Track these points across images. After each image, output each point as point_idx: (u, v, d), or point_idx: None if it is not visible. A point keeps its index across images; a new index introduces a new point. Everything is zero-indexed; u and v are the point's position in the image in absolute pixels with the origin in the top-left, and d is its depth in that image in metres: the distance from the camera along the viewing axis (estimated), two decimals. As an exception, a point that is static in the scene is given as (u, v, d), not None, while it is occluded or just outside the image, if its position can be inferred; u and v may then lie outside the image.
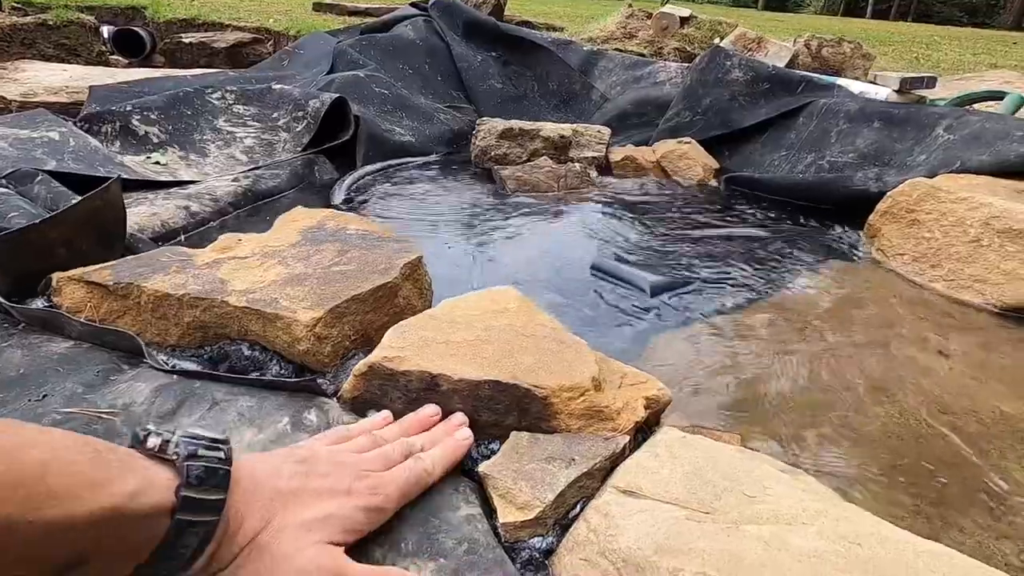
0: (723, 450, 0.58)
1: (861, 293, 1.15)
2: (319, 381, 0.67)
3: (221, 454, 0.37)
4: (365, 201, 1.56)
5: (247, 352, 0.72)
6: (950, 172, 1.31)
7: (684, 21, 2.78)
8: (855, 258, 1.32)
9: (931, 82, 1.71)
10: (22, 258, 0.76)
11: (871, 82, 2.09)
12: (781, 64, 2.22)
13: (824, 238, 1.41)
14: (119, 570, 0.32)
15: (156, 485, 0.33)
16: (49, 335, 0.67)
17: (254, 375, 0.70)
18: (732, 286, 1.16)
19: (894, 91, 1.71)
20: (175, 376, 0.62)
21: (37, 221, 0.77)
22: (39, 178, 1.22)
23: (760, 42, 2.38)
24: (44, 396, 0.59)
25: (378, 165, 1.82)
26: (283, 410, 0.60)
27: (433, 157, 1.95)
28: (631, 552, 0.44)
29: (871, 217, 1.33)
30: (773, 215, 1.55)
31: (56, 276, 0.76)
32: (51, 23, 2.79)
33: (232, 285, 0.73)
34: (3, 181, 1.20)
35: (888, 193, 1.29)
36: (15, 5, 3.27)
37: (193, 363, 0.71)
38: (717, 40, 2.56)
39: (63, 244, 0.80)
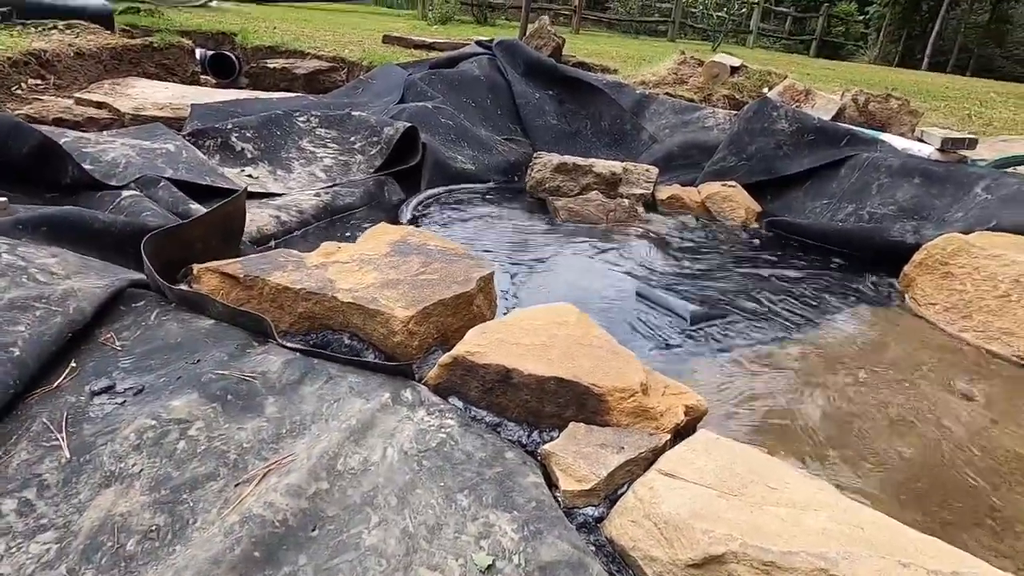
0: (751, 451, 0.68)
1: (892, 337, 1.22)
2: (411, 363, 0.80)
3: None
4: (430, 221, 1.72)
5: (347, 341, 0.86)
6: (985, 230, 1.38)
7: (735, 70, 2.91)
8: (888, 305, 1.39)
9: (972, 143, 1.78)
10: (170, 250, 0.92)
11: (918, 139, 2.16)
12: (827, 117, 2.30)
13: (859, 284, 1.48)
14: None
15: None
16: (194, 314, 0.83)
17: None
18: (768, 321, 1.25)
19: (936, 149, 1.78)
20: (297, 353, 0.76)
21: (186, 221, 0.94)
22: (161, 183, 1.42)
23: (808, 94, 2.48)
24: (198, 360, 0.73)
25: (441, 189, 1.98)
26: (384, 387, 0.73)
27: (491, 184, 2.11)
28: (670, 516, 0.54)
29: (906, 267, 1.40)
30: (812, 259, 1.63)
31: (196, 267, 0.92)
32: (156, 45, 3.12)
33: (338, 284, 0.88)
34: (133, 185, 1.41)
35: (924, 246, 1.36)
36: (123, 28, 3.66)
37: (302, 347, 0.85)
38: (766, 90, 2.67)
39: (200, 241, 0.96)
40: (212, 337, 0.78)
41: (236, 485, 0.59)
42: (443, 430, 0.67)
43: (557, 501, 0.62)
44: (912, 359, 1.13)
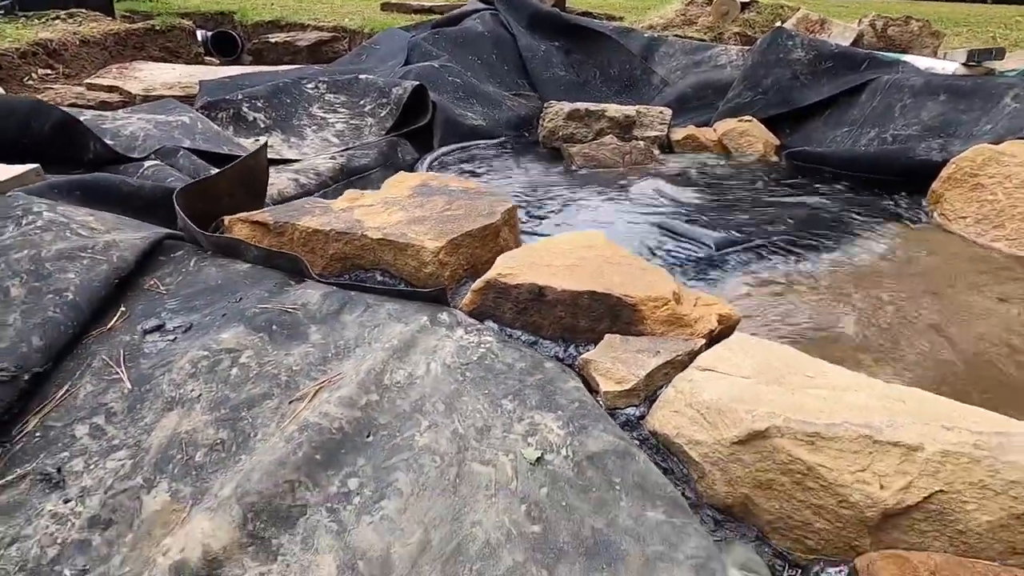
0: (786, 349, 0.68)
1: (923, 252, 1.20)
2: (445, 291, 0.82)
3: None
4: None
5: (379, 278, 0.88)
6: (1016, 138, 1.34)
7: (745, 6, 2.81)
8: (917, 222, 1.36)
9: (999, 53, 1.71)
10: (201, 202, 0.94)
11: (941, 59, 2.08)
12: (845, 44, 2.23)
13: (886, 205, 1.45)
14: None
15: None
16: (231, 259, 0.85)
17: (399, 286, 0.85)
18: (795, 245, 1.23)
19: (961, 64, 1.72)
20: (334, 287, 0.78)
21: (213, 174, 0.96)
22: (181, 153, 1.44)
23: (823, 24, 2.39)
24: (240, 299, 0.76)
25: (453, 146, 1.97)
26: (421, 312, 0.74)
27: (502, 139, 2.09)
28: (712, 402, 0.56)
29: (934, 184, 1.37)
30: (835, 186, 1.60)
31: (227, 218, 0.94)
32: (158, 28, 3.12)
33: (367, 223, 0.89)
34: (153, 156, 1.43)
35: (952, 160, 1.33)
36: (123, 14, 3.65)
37: (337, 286, 0.87)
38: (779, 24, 2.59)
39: (227, 194, 0.98)
40: (250, 278, 0.80)
41: (291, 402, 0.61)
42: (483, 345, 0.69)
43: (599, 403, 0.64)
44: (944, 271, 1.12)
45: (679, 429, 0.57)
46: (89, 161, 1.37)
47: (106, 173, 1.13)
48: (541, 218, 1.37)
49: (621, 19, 3.48)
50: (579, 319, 0.74)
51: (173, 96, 2.31)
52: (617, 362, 0.66)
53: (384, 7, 4.33)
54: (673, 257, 1.17)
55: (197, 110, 1.85)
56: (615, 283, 0.74)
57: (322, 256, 0.89)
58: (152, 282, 0.79)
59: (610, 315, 0.73)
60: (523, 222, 1.29)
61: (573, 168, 1.74)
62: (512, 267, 0.77)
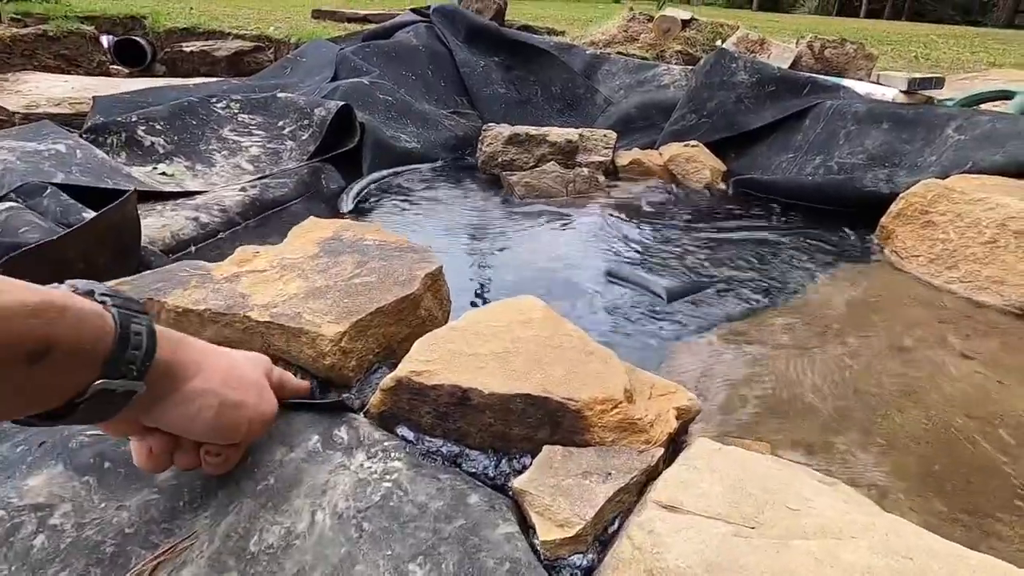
0: (760, 461, 0.57)
1: (878, 296, 1.14)
2: (344, 396, 0.66)
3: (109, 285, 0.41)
4: (373, 209, 1.56)
5: (270, 367, 0.71)
6: (962, 172, 1.31)
7: (686, 24, 2.78)
8: (868, 260, 1.31)
9: (939, 83, 1.71)
10: (40, 273, 0.75)
11: (874, 83, 2.09)
12: (785, 66, 2.22)
13: (836, 240, 1.40)
14: (83, 364, 0.36)
15: (80, 298, 0.36)
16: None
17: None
18: (747, 290, 1.15)
19: (901, 91, 1.71)
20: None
21: (55, 237, 0.76)
22: (48, 191, 1.21)
23: (763, 44, 2.38)
24: (69, 417, 0.57)
25: (384, 172, 1.81)
26: (312, 427, 0.59)
27: (439, 164, 1.94)
28: (680, 570, 0.43)
29: (884, 219, 1.32)
30: (783, 217, 1.54)
31: (74, 292, 0.75)
32: (51, 34, 2.79)
33: (253, 299, 0.72)
34: (12, 195, 1.19)
35: (901, 195, 1.29)
36: (14, 16, 3.27)
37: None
38: (719, 43, 2.56)
39: (81, 259, 0.79)
40: (91, 383, 0.62)
41: (113, 590, 0.44)
42: (388, 477, 0.54)
43: (536, 552, 0.50)
44: (902, 319, 1.05)
45: (638, 607, 0.44)
46: (-72, 203, 1.13)
47: (-75, 229, 0.91)
48: (477, 264, 1.23)
49: (563, 34, 3.41)
50: (512, 426, 0.60)
51: (62, 114, 2.04)
52: (558, 495, 0.52)
53: (316, 15, 4.10)
54: (620, 308, 1.06)
55: (83, 133, 1.60)
56: (555, 379, 0.61)
57: (198, 340, 0.72)
58: (-51, 395, 0.59)
59: (550, 422, 0.59)
60: (454, 273, 1.14)
61: (514, 199, 1.61)
62: (430, 360, 0.63)
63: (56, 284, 0.38)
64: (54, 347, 0.33)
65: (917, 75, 1.71)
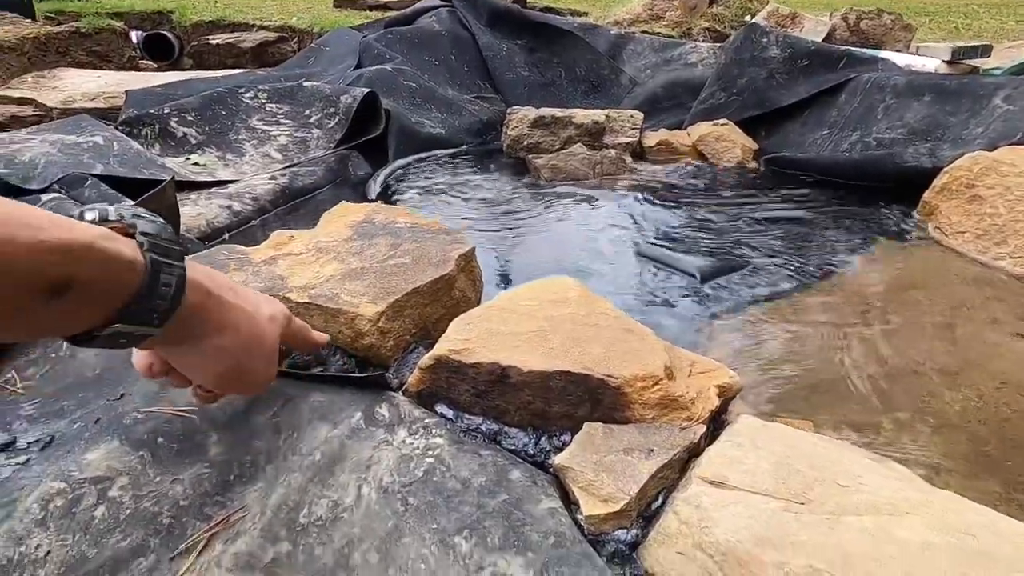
0: (806, 438, 0.56)
1: (921, 273, 1.10)
2: (385, 374, 0.67)
3: (158, 219, 0.40)
4: (401, 195, 1.56)
5: (309, 348, 0.72)
6: (1011, 144, 1.25)
7: (713, 0, 2.70)
8: (910, 237, 1.27)
9: (985, 51, 1.63)
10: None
11: (914, 54, 2.01)
12: (818, 39, 2.14)
13: (875, 217, 1.36)
14: (102, 305, 0.36)
15: (116, 238, 0.36)
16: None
17: (317, 370, 0.70)
18: (784, 269, 1.13)
19: (944, 62, 1.64)
20: (245, 373, 0.63)
21: (99, 223, 0.78)
22: (88, 182, 1.24)
23: (794, 18, 2.30)
24: (121, 395, 0.59)
25: (410, 158, 1.81)
26: (354, 405, 0.60)
27: (463, 148, 1.94)
28: (729, 544, 0.43)
29: (926, 194, 1.27)
30: (819, 195, 1.50)
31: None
32: (84, 31, 2.85)
33: (291, 281, 0.73)
34: (55, 186, 1.23)
35: (945, 169, 1.24)
36: (48, 15, 3.35)
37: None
38: (748, 18, 2.48)
39: (123, 245, 0.81)
40: (140, 363, 0.64)
41: (171, 559, 0.46)
42: (430, 453, 0.54)
43: (579, 527, 0.50)
44: (949, 297, 1.02)
45: (687, 581, 0.43)
46: (-23, 195, 1.17)
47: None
48: (506, 247, 1.23)
49: (586, 14, 3.35)
50: (552, 404, 0.60)
51: (96, 108, 2.09)
52: (601, 470, 0.52)
53: (337, 3, 4.11)
54: (653, 291, 1.05)
55: (118, 125, 1.64)
56: (594, 356, 0.61)
57: (238, 322, 0.73)
58: (8, 375, 0.62)
59: (590, 399, 0.59)
60: (484, 255, 1.14)
61: (541, 182, 1.60)
62: (468, 339, 0.63)
63: (105, 207, 0.38)
64: (75, 285, 0.33)
65: (961, 44, 1.64)
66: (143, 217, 0.39)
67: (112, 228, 0.37)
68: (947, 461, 0.67)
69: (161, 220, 0.40)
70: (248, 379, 0.48)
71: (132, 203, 0.41)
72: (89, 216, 0.38)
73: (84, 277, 0.33)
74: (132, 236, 0.38)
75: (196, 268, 0.42)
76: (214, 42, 3.07)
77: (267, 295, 0.53)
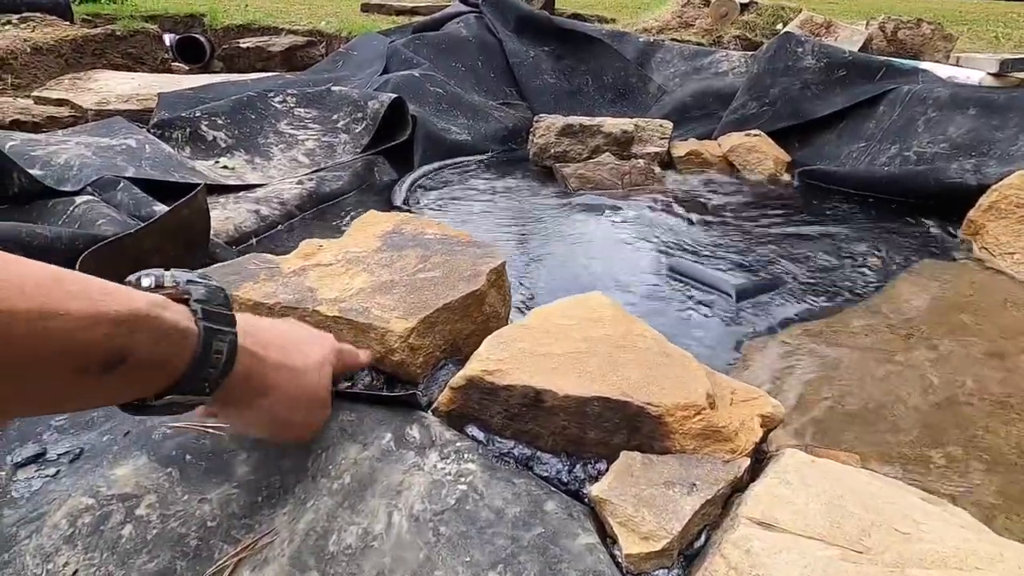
0: (857, 476, 0.53)
1: (968, 296, 1.06)
2: (417, 394, 0.65)
3: (212, 282, 0.40)
4: (426, 202, 1.55)
5: (337, 362, 0.71)
6: (1064, 162, 1.20)
7: (744, 8, 2.65)
8: (953, 257, 1.22)
9: (1035, 63, 1.57)
10: (118, 265, 0.77)
11: (954, 65, 1.95)
12: (854, 49, 2.09)
13: (916, 235, 1.31)
14: (156, 377, 0.35)
15: (171, 305, 0.35)
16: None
17: (344, 385, 0.69)
18: (820, 288, 1.09)
19: (989, 74, 1.58)
20: (274, 388, 0.62)
21: (133, 230, 0.78)
22: (121, 185, 1.26)
23: (829, 27, 2.25)
24: (151, 407, 0.59)
25: (435, 165, 1.81)
26: (384, 424, 0.58)
27: (489, 155, 1.93)
28: (784, 597, 0.40)
29: (972, 213, 1.23)
30: (855, 210, 1.45)
31: (150, 284, 0.77)
32: (119, 33, 2.91)
33: (321, 293, 0.72)
34: (89, 189, 1.25)
35: (993, 187, 1.19)
36: (85, 17, 3.43)
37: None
38: (780, 27, 2.44)
39: (155, 251, 0.81)
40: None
41: (198, 584, 0.45)
42: (463, 479, 0.52)
43: (618, 565, 0.48)
44: (998, 321, 0.97)
45: (736, 633, 0.41)
46: (14, 196, 1.19)
47: (14, 223, 0.95)
48: (533, 258, 1.21)
49: (613, 21, 3.32)
50: (587, 430, 0.58)
51: (130, 110, 2.12)
52: (641, 505, 0.50)
53: (364, 8, 4.14)
54: (684, 308, 1.02)
55: (150, 128, 1.66)
56: (632, 382, 0.58)
57: (267, 333, 0.72)
58: (40, 383, 0.62)
59: (627, 427, 0.57)
60: (512, 267, 1.13)
61: (568, 192, 1.58)
62: (501, 359, 0.61)
63: (160, 274, 0.38)
64: (128, 359, 0.32)
65: (1008, 56, 1.58)
66: (197, 282, 0.38)
67: (166, 295, 0.36)
68: (1003, 501, 0.63)
69: (215, 283, 0.40)
70: (297, 431, 0.50)
71: (186, 271, 0.41)
72: (145, 282, 0.37)
73: (139, 349, 0.32)
74: (186, 302, 0.37)
75: (244, 331, 0.41)
76: (244, 45, 3.11)
77: (319, 331, 0.54)
